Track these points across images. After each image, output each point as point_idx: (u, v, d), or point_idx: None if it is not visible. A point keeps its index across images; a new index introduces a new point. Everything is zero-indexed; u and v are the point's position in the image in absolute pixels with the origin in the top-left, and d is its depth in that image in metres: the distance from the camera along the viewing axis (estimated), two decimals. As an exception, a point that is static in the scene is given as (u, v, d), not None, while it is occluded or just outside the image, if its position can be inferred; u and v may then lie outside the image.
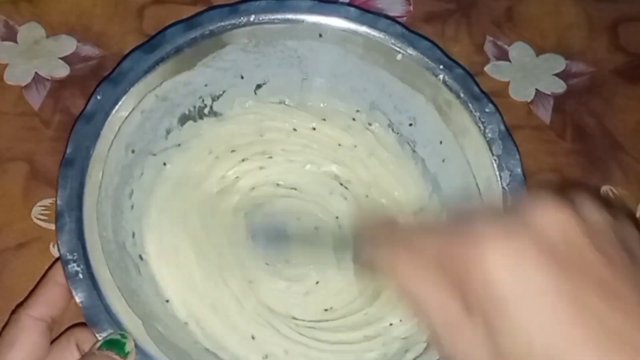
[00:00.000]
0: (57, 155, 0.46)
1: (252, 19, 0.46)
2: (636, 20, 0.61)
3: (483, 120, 0.45)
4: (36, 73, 0.54)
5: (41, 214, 0.50)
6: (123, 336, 0.38)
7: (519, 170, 0.44)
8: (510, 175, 0.44)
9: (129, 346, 0.38)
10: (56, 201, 0.41)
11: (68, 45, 0.55)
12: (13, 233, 0.49)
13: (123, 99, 0.44)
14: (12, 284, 0.48)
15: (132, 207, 0.47)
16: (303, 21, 0.47)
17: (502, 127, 0.45)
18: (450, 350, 0.30)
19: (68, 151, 0.42)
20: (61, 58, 0.55)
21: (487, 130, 0.45)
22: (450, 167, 0.48)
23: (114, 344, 0.37)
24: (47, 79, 0.54)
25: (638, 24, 0.61)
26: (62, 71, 0.54)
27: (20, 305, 0.42)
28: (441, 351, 0.32)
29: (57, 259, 0.41)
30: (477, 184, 0.45)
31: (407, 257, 0.32)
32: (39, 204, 0.50)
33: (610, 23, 0.61)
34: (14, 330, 0.39)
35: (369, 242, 0.36)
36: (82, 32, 0.56)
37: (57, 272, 0.41)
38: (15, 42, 0.55)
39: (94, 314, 0.38)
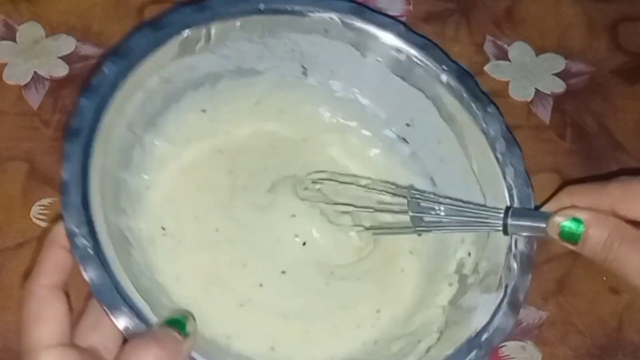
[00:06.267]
0: (56, 154, 0.46)
1: (260, 7, 0.46)
2: (636, 20, 0.61)
3: (485, 119, 0.45)
4: (35, 72, 0.54)
5: (40, 214, 0.49)
6: (184, 317, 0.37)
7: (522, 168, 0.44)
8: (514, 172, 0.44)
9: (190, 327, 0.37)
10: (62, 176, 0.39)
11: (67, 44, 0.55)
12: (12, 233, 0.49)
13: (128, 76, 0.42)
14: (11, 284, 0.47)
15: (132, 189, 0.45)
16: (310, 14, 0.47)
17: (504, 126, 0.45)
18: None
19: (73, 124, 0.40)
20: (60, 57, 0.55)
21: (489, 129, 0.45)
22: (449, 167, 0.48)
23: (175, 323, 0.37)
24: (47, 79, 0.54)
25: (638, 24, 0.61)
26: (62, 70, 0.54)
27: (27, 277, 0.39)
28: None
29: (52, 224, 0.39)
30: (478, 182, 0.45)
31: None
32: (38, 203, 0.50)
33: (610, 23, 0.61)
34: (36, 304, 0.37)
35: None
36: (82, 32, 0.56)
37: (59, 235, 0.38)
38: (15, 41, 0.55)
39: (106, 291, 0.37)
